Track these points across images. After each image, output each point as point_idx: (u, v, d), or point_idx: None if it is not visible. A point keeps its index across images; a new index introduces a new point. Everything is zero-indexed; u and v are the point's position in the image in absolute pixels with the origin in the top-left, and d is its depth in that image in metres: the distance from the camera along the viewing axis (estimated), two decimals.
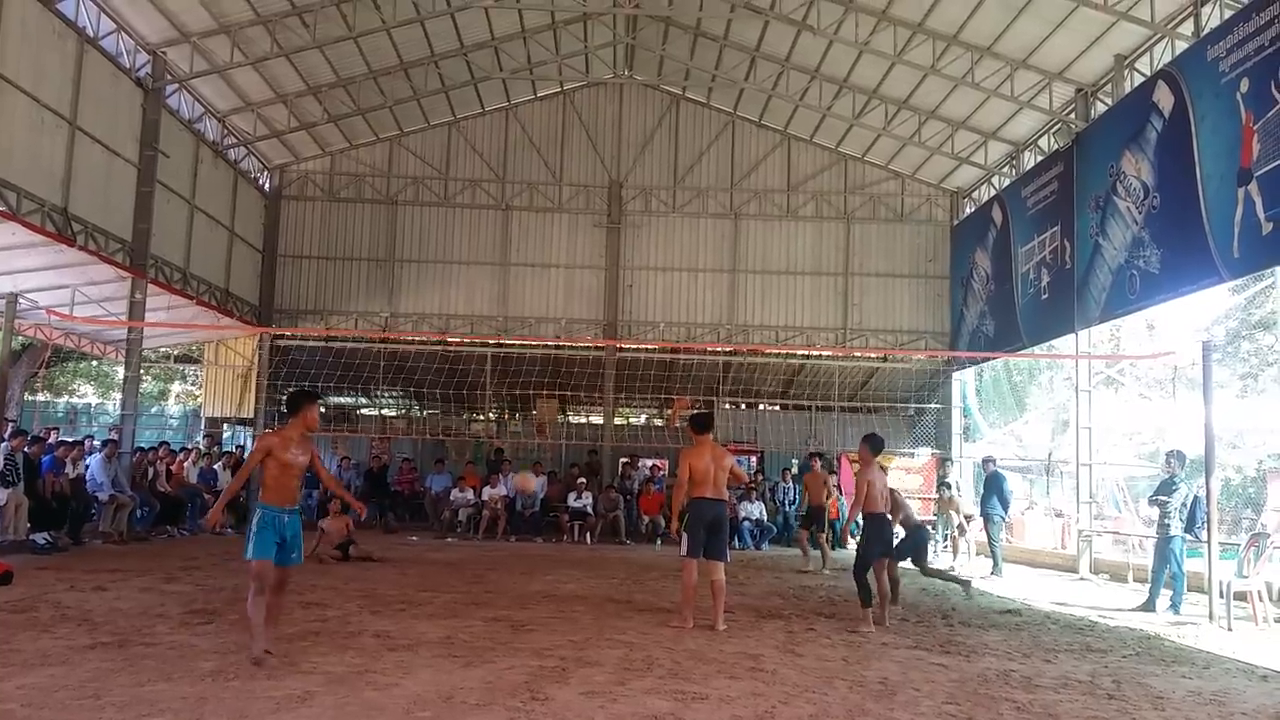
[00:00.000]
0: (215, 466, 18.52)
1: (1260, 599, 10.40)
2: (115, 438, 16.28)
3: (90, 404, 30.44)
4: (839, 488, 20.54)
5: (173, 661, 6.40)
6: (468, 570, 12.85)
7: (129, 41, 16.56)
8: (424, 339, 22.48)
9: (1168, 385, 27.59)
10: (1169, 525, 11.39)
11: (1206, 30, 13.42)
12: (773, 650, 7.74)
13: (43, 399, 27.60)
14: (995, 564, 15.01)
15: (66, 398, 30.92)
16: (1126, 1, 14.75)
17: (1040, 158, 18.89)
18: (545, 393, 22.50)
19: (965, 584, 12.00)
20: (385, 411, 25.92)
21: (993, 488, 15.47)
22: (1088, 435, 17.05)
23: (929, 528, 13.55)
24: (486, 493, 19.13)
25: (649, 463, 21.41)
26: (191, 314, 19.26)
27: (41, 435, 15.79)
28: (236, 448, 21.77)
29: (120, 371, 22.36)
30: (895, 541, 10.99)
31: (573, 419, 25.22)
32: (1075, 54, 16.56)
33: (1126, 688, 6.82)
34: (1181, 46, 14.21)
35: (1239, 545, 11.56)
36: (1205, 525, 10.88)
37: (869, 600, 9.28)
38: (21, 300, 17.16)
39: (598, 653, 7.30)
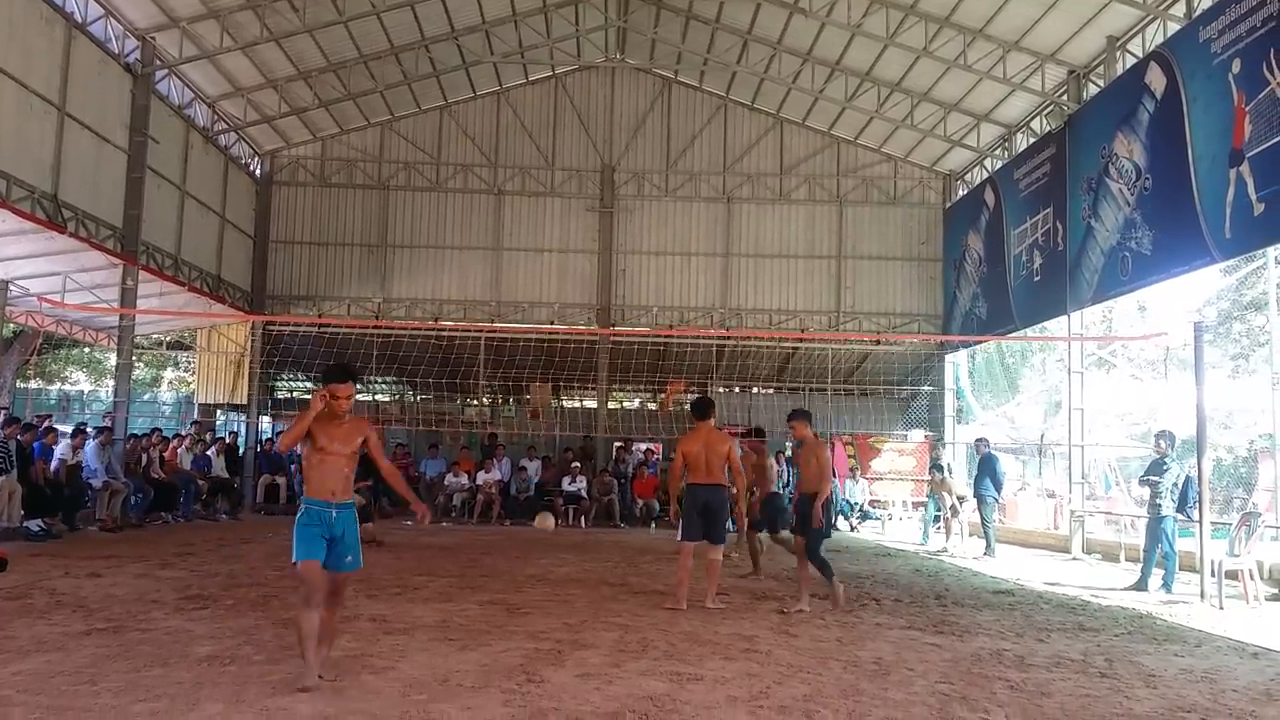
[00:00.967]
0: (209, 453, 18.49)
1: (1251, 577, 10.45)
2: (109, 424, 16.25)
3: (83, 391, 30.37)
4: (833, 468, 20.63)
5: (168, 647, 6.40)
6: (463, 555, 12.88)
7: (117, 27, 16.45)
8: (417, 325, 22.44)
9: (1159, 366, 27.67)
10: (1160, 505, 11.44)
11: (1199, 11, 13.42)
12: (767, 631, 7.77)
13: (35, 386, 27.54)
14: (988, 545, 15.09)
15: (59, 385, 30.84)
16: None
17: (1032, 140, 18.89)
18: (539, 378, 22.51)
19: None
20: (379, 397, 25.91)
21: (985, 469, 15.55)
22: (1080, 416, 17.10)
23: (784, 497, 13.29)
24: (481, 477, 19.18)
25: (643, 447, 21.43)
26: (183, 300, 19.21)
27: (34, 423, 15.73)
28: (230, 434, 21.75)
29: (112, 358, 22.31)
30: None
31: (566, 404, 25.22)
32: (1067, 35, 16.55)
33: (1119, 666, 6.86)
34: (1174, 28, 14.19)
35: (1230, 524, 11.62)
36: (1197, 505, 10.93)
37: (831, 574, 9.22)
38: (12, 288, 17.13)
39: (593, 635, 7.33)
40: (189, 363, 29.59)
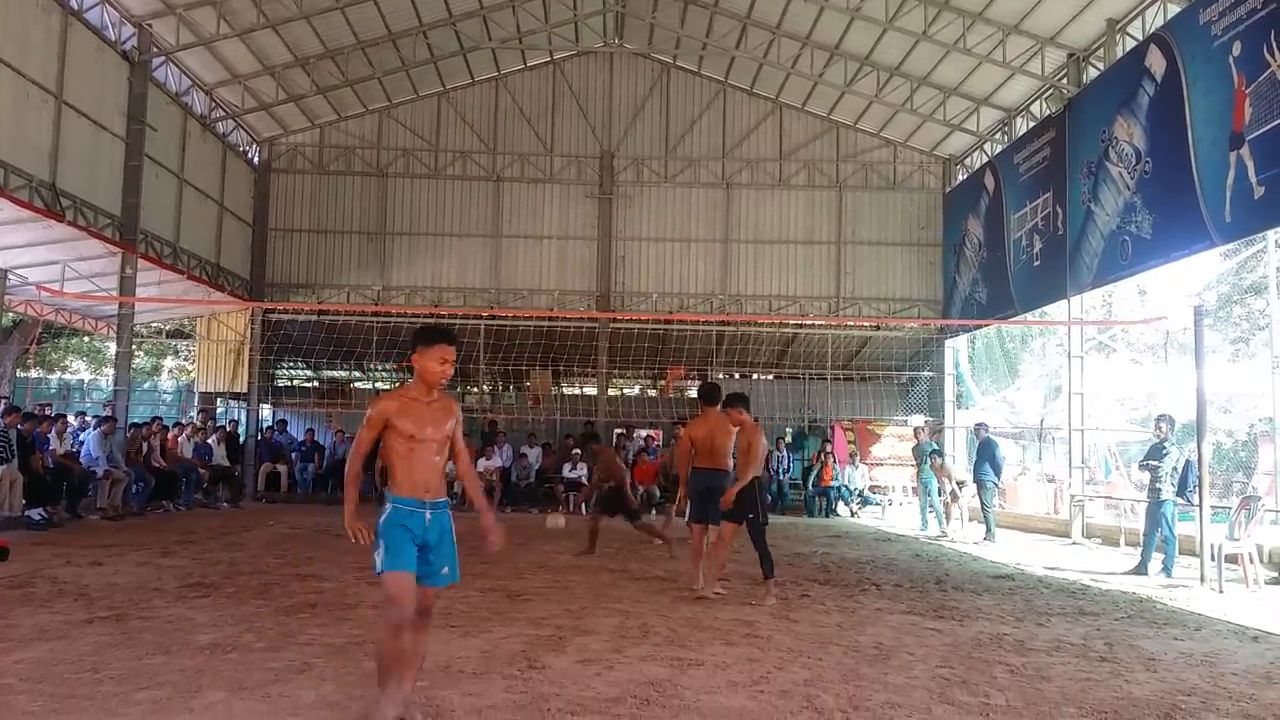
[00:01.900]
0: (210, 441, 18.51)
1: (1251, 561, 10.47)
2: (111, 414, 16.26)
3: (83, 380, 30.38)
4: (832, 454, 20.67)
5: (170, 635, 6.41)
6: (463, 542, 12.86)
7: (114, 14, 16.40)
8: (416, 312, 22.40)
9: (1159, 350, 27.66)
10: (1160, 489, 11.46)
11: None
12: (767, 616, 7.79)
13: (35, 375, 27.54)
14: (988, 529, 15.11)
15: (59, 374, 30.84)
16: None
17: (1032, 124, 18.85)
18: (539, 364, 22.51)
19: (668, 542, 11.76)
20: (379, 385, 25.91)
21: (985, 454, 15.55)
22: (1080, 401, 17.12)
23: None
24: (481, 464, 19.18)
25: (643, 433, 21.44)
26: (183, 289, 19.20)
27: (35, 412, 15.75)
28: (230, 422, 21.77)
29: (112, 347, 22.31)
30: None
31: (566, 390, 25.23)
32: (1067, 18, 16.49)
33: (1119, 650, 6.88)
34: (1174, 10, 14.15)
35: (1230, 508, 11.64)
36: (1197, 489, 10.93)
37: (772, 570, 9.04)
38: (11, 277, 17.11)
39: (594, 621, 7.34)
40: (189, 351, 29.58)
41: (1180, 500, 11.51)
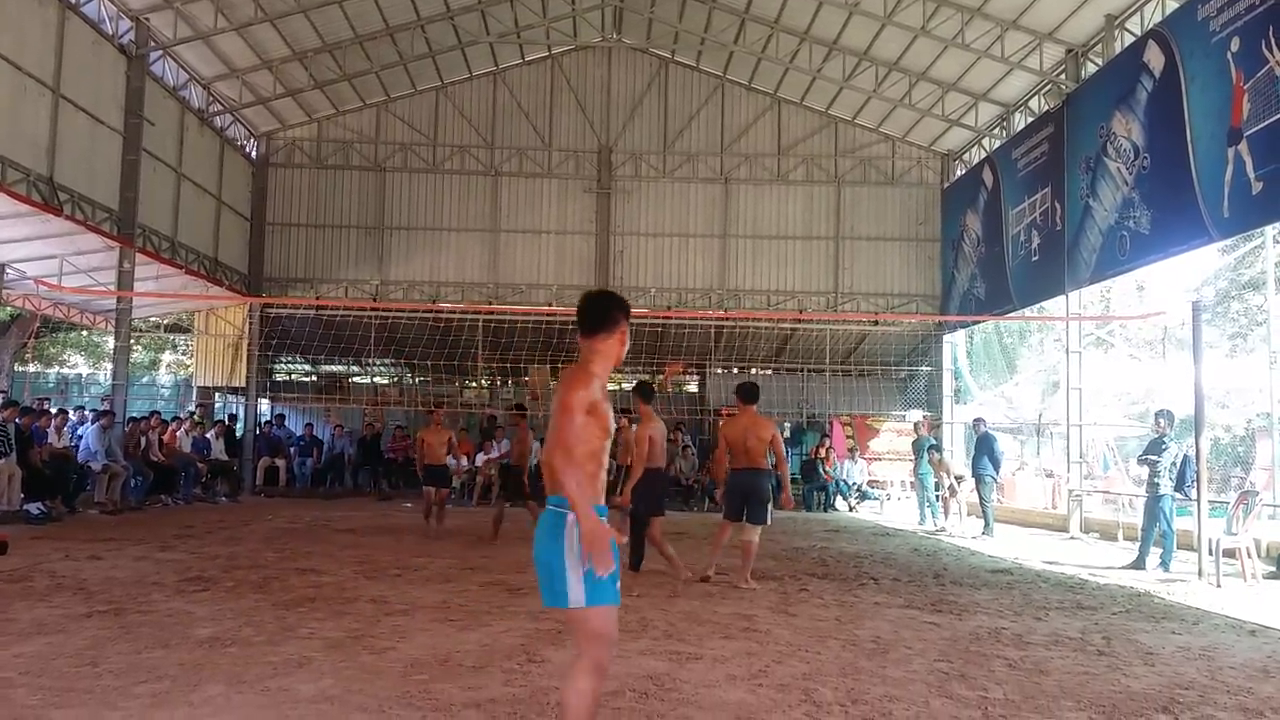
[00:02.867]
0: (208, 435, 18.51)
1: (1249, 555, 10.49)
2: (109, 408, 16.26)
3: (81, 374, 30.35)
4: (831, 449, 20.69)
5: (169, 628, 6.42)
6: (462, 536, 12.90)
7: (111, 8, 16.34)
8: (415, 307, 22.39)
9: (1157, 346, 27.73)
10: (1159, 484, 11.48)
11: None
12: (766, 611, 7.80)
13: (33, 369, 27.51)
14: (987, 524, 15.13)
15: (57, 368, 30.81)
16: None
17: (1031, 119, 18.84)
18: (537, 359, 22.49)
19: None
20: (377, 380, 25.92)
21: (984, 448, 15.56)
22: (1078, 396, 17.12)
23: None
24: (480, 459, 19.21)
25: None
26: (180, 283, 19.17)
27: (34, 407, 15.74)
28: (229, 416, 21.76)
29: (110, 341, 22.29)
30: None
31: None
32: (1066, 14, 16.47)
33: (1117, 644, 6.89)
34: (1172, 6, 14.13)
35: (1228, 503, 11.66)
36: (1195, 484, 10.94)
37: (640, 563, 9.20)
38: (9, 271, 17.10)
39: None
40: (187, 345, 29.56)
41: (1178, 495, 11.53)
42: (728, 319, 22.77)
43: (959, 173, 22.63)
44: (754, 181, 23.28)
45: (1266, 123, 11.41)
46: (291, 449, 21.10)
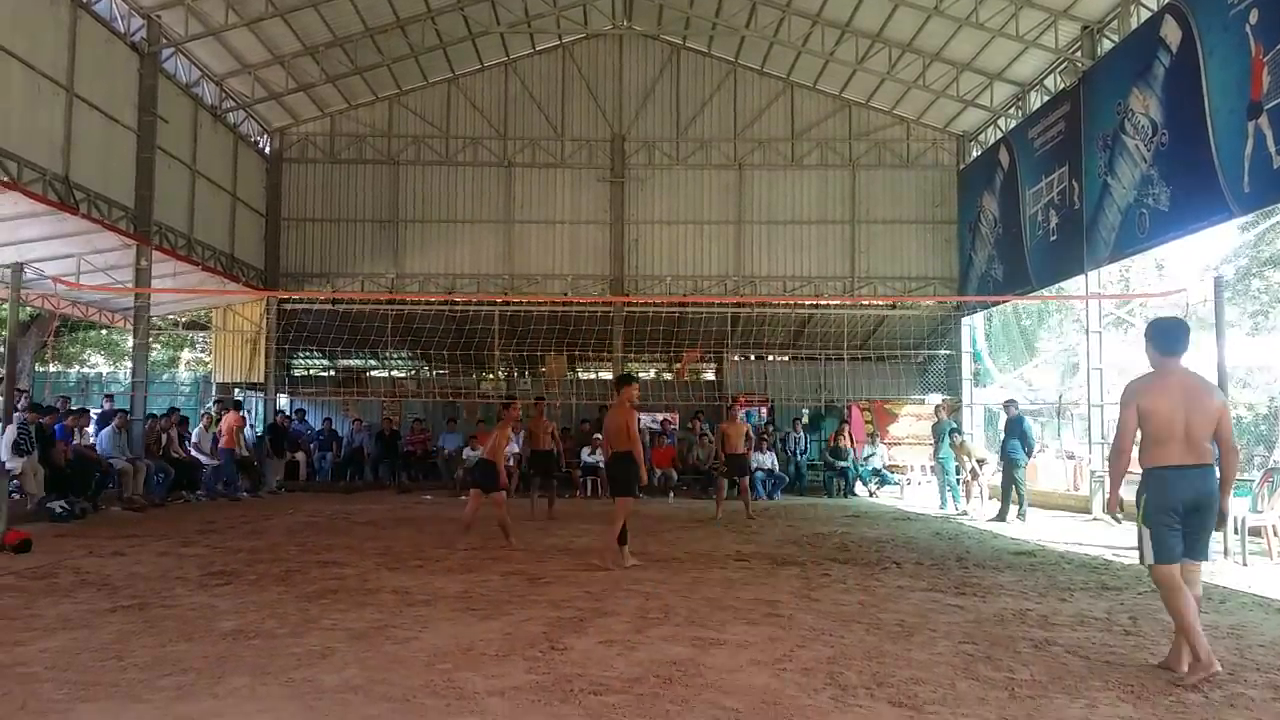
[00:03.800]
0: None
1: (1275, 534, 10.41)
2: (112, 406, 16.32)
3: (101, 373, 30.51)
4: (851, 435, 20.62)
5: (193, 622, 6.44)
6: (483, 527, 12.90)
7: (122, 5, 16.38)
8: (431, 299, 22.43)
9: None
10: None
11: None
12: (789, 596, 7.77)
13: (54, 369, 27.68)
14: (1020, 507, 14.91)
15: (77, 368, 30.98)
16: None
17: (1046, 98, 18.65)
18: (554, 349, 22.50)
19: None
20: (395, 373, 25.97)
21: (1014, 431, 15.34)
22: (1098, 376, 16.99)
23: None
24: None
25: (660, 416, 21.40)
26: (197, 280, 19.24)
27: (57, 405, 15.84)
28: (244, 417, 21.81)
29: (129, 340, 22.39)
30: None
31: (582, 375, 25.21)
32: None
33: (1143, 623, 6.84)
34: None
35: (1253, 482, 11.56)
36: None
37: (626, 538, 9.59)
38: (27, 270, 17.14)
39: (615, 603, 7.34)
40: (205, 342, 29.68)
41: None
42: (744, 305, 22.70)
43: (975, 154, 22.47)
44: (768, 167, 23.17)
45: None
46: (312, 444, 21.17)
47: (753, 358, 24.63)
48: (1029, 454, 15.66)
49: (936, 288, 22.98)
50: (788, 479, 20.03)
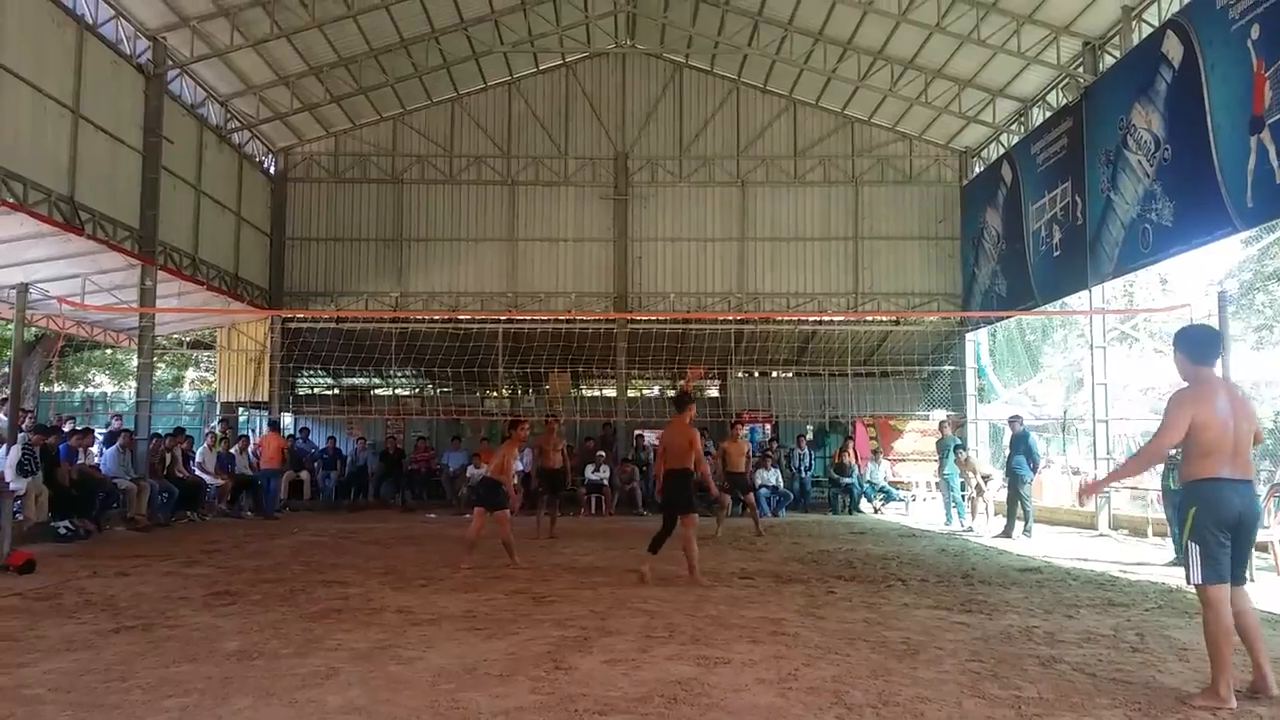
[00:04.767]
0: (232, 450, 18.56)
1: None
2: (119, 426, 16.33)
3: (106, 393, 30.56)
4: (855, 451, 20.58)
5: (197, 643, 6.43)
6: (487, 545, 12.88)
7: (128, 28, 16.50)
8: (435, 317, 22.46)
9: None
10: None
11: None
12: (794, 614, 7.74)
13: (59, 389, 27.72)
14: (1026, 523, 14.85)
15: (82, 388, 31.04)
16: None
17: (1049, 114, 18.70)
18: (557, 367, 22.51)
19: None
20: (399, 391, 25.98)
21: (1020, 446, 15.29)
22: (1103, 391, 16.97)
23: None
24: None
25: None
26: (202, 299, 19.28)
27: (57, 425, 15.85)
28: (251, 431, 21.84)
29: (134, 359, 22.43)
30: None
31: (586, 392, 25.22)
32: (1082, 6, 16.36)
33: (1150, 640, 6.80)
34: None
35: (1259, 497, 11.49)
36: None
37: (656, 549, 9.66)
38: (32, 291, 17.17)
39: (619, 621, 7.31)
40: (210, 362, 29.73)
41: None
42: (747, 322, 22.71)
43: (977, 170, 22.51)
44: (771, 184, 23.23)
45: None
46: (316, 463, 21.16)
47: (756, 374, 24.63)
48: (1034, 469, 15.60)
49: (940, 303, 22.98)
50: (792, 496, 19.99)
